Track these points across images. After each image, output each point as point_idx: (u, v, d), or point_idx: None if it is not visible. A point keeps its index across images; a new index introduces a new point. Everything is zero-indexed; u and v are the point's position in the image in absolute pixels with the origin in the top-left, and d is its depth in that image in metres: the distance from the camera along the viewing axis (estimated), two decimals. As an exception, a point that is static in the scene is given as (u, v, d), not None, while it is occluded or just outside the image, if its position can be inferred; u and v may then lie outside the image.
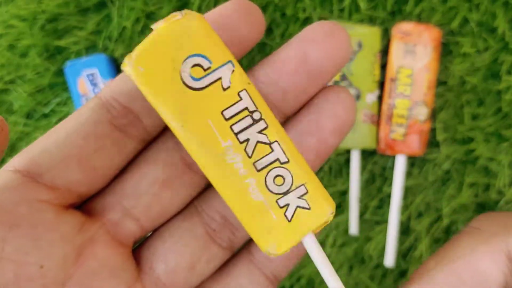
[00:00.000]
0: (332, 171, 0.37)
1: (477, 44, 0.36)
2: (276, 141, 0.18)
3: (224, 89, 0.17)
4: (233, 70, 0.17)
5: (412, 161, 0.37)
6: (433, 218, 0.37)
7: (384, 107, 0.36)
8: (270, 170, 0.18)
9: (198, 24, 0.17)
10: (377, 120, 0.36)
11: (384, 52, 0.37)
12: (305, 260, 0.37)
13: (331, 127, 0.18)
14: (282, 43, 0.37)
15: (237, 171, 0.18)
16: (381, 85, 0.37)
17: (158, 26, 0.17)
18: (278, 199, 0.18)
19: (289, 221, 0.19)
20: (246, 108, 0.18)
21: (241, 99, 0.18)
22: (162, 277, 0.19)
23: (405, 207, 0.37)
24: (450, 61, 0.36)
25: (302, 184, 0.18)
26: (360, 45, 0.35)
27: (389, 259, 0.36)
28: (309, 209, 0.19)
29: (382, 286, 0.37)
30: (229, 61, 0.17)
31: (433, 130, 0.37)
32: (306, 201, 0.19)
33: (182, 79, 0.17)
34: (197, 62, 0.17)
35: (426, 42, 0.35)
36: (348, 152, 0.37)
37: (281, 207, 0.19)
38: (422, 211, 0.37)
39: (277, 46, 0.37)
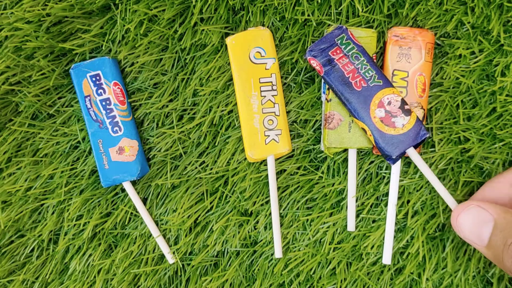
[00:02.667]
0: (330, 171, 0.38)
1: (472, 46, 0.36)
2: (278, 103, 0.37)
3: (266, 69, 0.37)
4: (274, 62, 0.37)
5: (409, 161, 0.38)
6: (429, 216, 0.37)
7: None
8: (268, 115, 0.37)
9: (267, 33, 0.37)
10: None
11: (381, 54, 0.37)
12: (305, 257, 0.38)
13: None
14: (281, 45, 0.38)
15: (252, 108, 0.37)
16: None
17: (250, 29, 0.37)
18: (265, 131, 0.37)
19: (265, 144, 0.37)
20: (271, 82, 0.37)
21: (271, 76, 0.37)
22: None
23: (401, 205, 0.38)
24: (446, 63, 0.37)
25: (280, 129, 0.37)
26: (357, 48, 0.36)
27: (387, 257, 0.37)
28: (278, 142, 0.37)
29: (379, 283, 0.38)
30: (274, 58, 0.37)
31: (429, 130, 0.37)
32: (278, 138, 0.37)
33: (248, 55, 0.37)
34: (258, 51, 0.37)
35: (420, 45, 0.35)
36: (345, 151, 0.38)
37: (265, 136, 0.37)
38: (419, 209, 0.37)
39: (277, 47, 0.38)
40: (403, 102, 0.34)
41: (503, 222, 0.29)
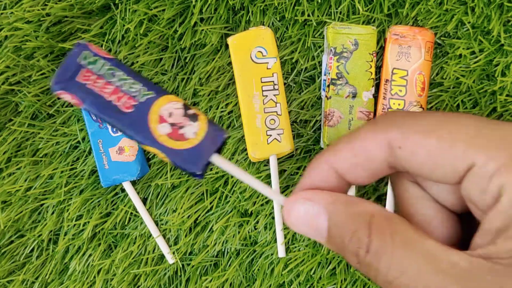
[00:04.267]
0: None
1: (473, 46, 0.36)
2: (279, 102, 0.37)
3: (268, 68, 0.37)
4: (275, 62, 0.37)
5: (409, 161, 0.37)
6: (429, 216, 0.37)
7: (379, 108, 0.36)
8: (270, 114, 0.37)
9: (268, 33, 0.37)
10: (373, 117, 0.37)
11: (381, 53, 0.37)
12: (305, 257, 0.38)
13: None
14: (281, 45, 0.38)
15: (254, 108, 0.37)
16: (377, 86, 0.37)
17: (251, 28, 0.37)
18: (267, 130, 0.37)
19: (268, 144, 0.37)
20: (273, 81, 0.37)
21: (273, 76, 0.37)
22: None
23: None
24: (446, 63, 0.37)
25: (282, 129, 0.37)
26: (356, 44, 0.36)
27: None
28: (280, 142, 0.37)
29: (380, 283, 0.38)
30: (275, 57, 0.37)
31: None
32: (280, 137, 0.37)
33: (250, 55, 0.37)
34: (260, 50, 0.37)
35: (420, 44, 0.36)
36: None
37: (267, 135, 0.37)
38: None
39: (277, 47, 0.38)
40: (186, 108, 0.28)
41: (335, 213, 0.26)
